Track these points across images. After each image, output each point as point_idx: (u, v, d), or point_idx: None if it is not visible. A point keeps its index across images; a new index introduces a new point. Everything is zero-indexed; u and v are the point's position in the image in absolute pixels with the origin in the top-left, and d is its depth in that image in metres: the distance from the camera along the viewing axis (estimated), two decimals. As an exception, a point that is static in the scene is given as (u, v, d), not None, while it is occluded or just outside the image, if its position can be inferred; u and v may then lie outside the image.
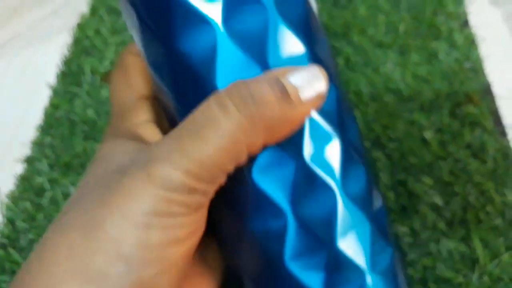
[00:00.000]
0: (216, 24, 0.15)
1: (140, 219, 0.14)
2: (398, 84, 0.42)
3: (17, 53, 0.48)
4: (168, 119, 0.18)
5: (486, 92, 0.42)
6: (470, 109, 0.40)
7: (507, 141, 0.38)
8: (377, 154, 0.36)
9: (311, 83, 0.15)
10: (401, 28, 0.46)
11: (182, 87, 0.16)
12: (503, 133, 0.39)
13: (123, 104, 0.18)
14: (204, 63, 0.16)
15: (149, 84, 0.18)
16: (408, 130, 0.38)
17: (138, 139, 0.16)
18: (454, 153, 0.37)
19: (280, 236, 0.16)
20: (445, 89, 0.42)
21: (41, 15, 0.54)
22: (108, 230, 0.14)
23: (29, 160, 0.37)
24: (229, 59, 0.16)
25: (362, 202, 0.17)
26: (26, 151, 0.39)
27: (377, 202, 0.18)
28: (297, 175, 0.16)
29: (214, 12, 0.15)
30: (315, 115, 0.16)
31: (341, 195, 0.16)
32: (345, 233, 0.17)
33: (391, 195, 0.34)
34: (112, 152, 0.16)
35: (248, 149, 0.15)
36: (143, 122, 0.17)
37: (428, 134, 0.38)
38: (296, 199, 0.16)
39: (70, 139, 0.38)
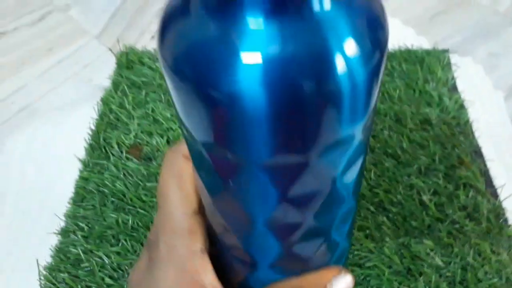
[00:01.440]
0: None
1: None
2: (396, 150, 0.46)
3: (44, 121, 0.52)
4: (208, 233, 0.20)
5: (477, 154, 0.46)
6: (463, 171, 0.44)
7: (499, 202, 0.42)
8: (382, 218, 0.40)
9: None
10: (396, 95, 0.51)
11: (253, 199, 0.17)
12: (494, 194, 0.43)
13: (180, 218, 0.19)
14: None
15: (198, 194, 0.20)
16: (408, 194, 0.42)
17: (190, 271, 0.18)
18: (451, 215, 0.41)
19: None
20: (439, 153, 0.46)
21: (64, 82, 0.58)
22: None
23: (63, 232, 0.41)
24: None
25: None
26: (57, 221, 0.43)
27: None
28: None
29: None
30: None
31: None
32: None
33: (396, 258, 0.37)
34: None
35: None
36: (198, 251, 0.19)
37: (426, 197, 0.42)
38: None
39: (102, 211, 0.41)
